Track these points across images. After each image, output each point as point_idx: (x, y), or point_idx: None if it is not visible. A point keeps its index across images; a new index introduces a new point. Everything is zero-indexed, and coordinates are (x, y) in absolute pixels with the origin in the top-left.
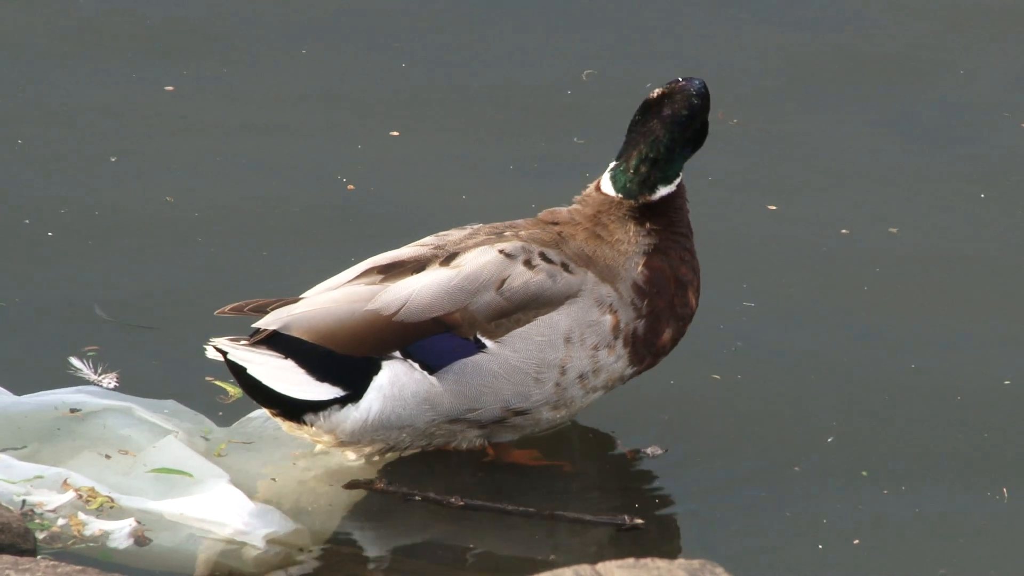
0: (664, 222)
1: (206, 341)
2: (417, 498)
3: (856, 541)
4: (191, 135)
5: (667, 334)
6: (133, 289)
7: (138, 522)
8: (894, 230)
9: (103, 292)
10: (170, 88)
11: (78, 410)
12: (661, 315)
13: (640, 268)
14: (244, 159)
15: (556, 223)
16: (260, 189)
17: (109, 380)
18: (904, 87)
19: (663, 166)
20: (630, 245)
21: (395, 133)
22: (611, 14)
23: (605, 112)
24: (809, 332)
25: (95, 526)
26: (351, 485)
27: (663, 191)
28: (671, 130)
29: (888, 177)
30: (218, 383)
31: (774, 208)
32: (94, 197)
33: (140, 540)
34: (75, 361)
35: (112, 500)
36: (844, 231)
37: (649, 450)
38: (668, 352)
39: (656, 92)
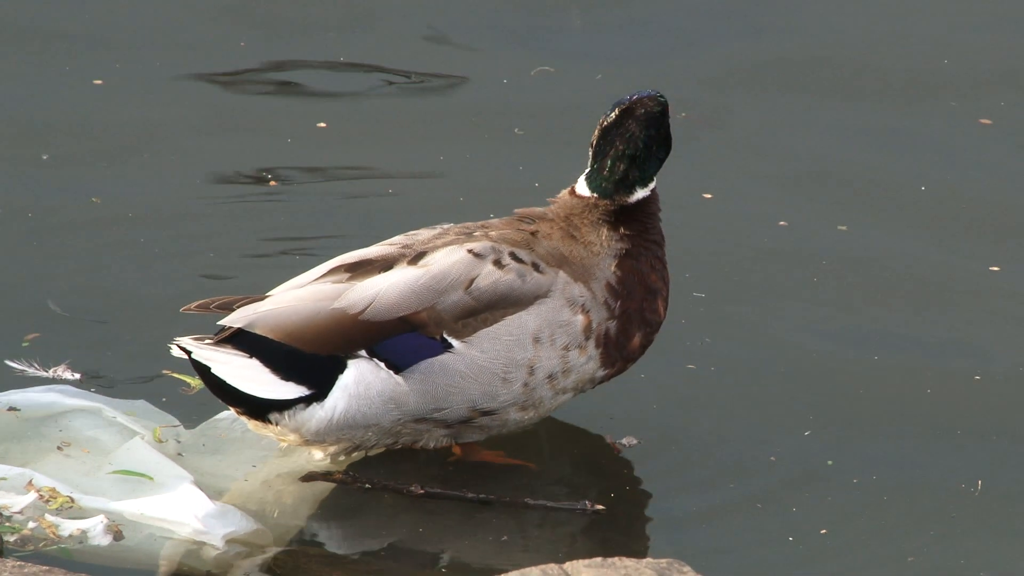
0: (637, 228)
1: (161, 334)
2: (367, 486)
3: (823, 531)
4: (118, 131)
5: (637, 338)
6: (82, 287)
7: (108, 518)
8: (843, 227)
9: (54, 290)
10: (99, 82)
11: (16, 409)
12: (632, 317)
13: (613, 268)
14: (171, 155)
15: (532, 221)
16: (189, 185)
17: (66, 372)
18: (847, 82)
19: (641, 164)
20: (602, 247)
21: (322, 125)
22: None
23: (547, 107)
24: (769, 324)
25: (72, 526)
26: (308, 477)
27: (639, 194)
28: (647, 126)
29: (827, 171)
30: (177, 375)
31: (709, 196)
32: (25, 196)
33: (117, 535)
34: (12, 364)
35: (72, 500)
36: (782, 223)
37: (624, 441)
38: (637, 359)
39: (615, 111)
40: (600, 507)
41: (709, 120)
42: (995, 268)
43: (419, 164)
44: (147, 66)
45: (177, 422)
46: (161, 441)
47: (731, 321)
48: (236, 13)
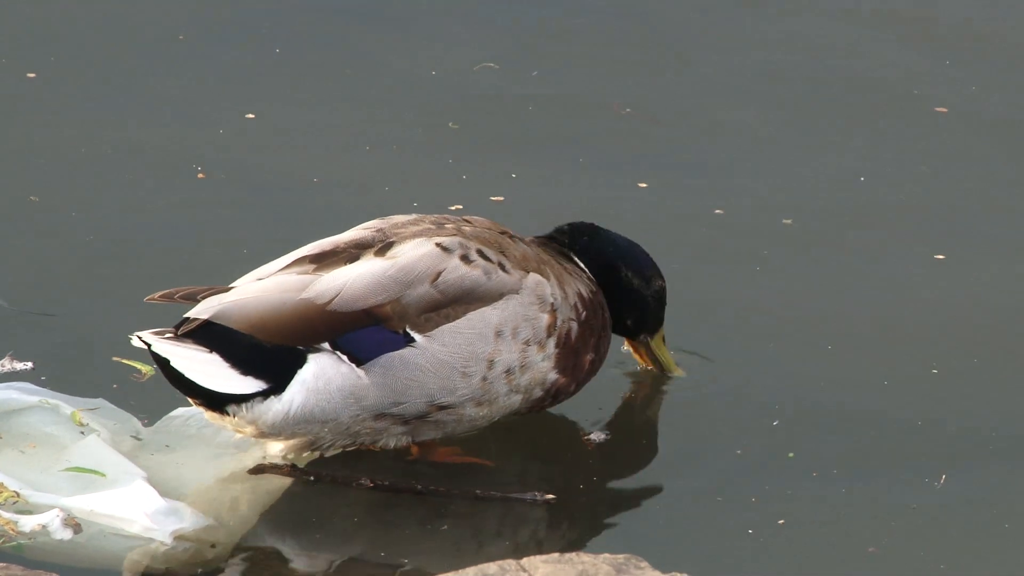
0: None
1: (108, 326)
2: (312, 479)
3: (781, 522)
4: (52, 125)
5: (588, 358)
6: (25, 281)
7: (63, 512)
8: (788, 221)
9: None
10: (32, 75)
11: None
12: (593, 329)
13: (587, 287)
14: (107, 149)
15: (513, 234)
16: (127, 179)
17: (14, 363)
18: (782, 65)
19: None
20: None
21: (251, 116)
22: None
23: (482, 99)
24: (727, 316)
25: (32, 522)
26: (257, 470)
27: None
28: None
29: (763, 157)
30: (127, 362)
31: (644, 186)
32: None
33: (76, 529)
34: None
35: (18, 495)
36: (718, 211)
37: (593, 435)
38: (583, 382)
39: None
40: (551, 496)
41: (653, 117)
42: (940, 256)
43: (348, 157)
44: (82, 59)
45: (135, 419)
46: (82, 424)
47: (688, 312)
48: (171, 6)
